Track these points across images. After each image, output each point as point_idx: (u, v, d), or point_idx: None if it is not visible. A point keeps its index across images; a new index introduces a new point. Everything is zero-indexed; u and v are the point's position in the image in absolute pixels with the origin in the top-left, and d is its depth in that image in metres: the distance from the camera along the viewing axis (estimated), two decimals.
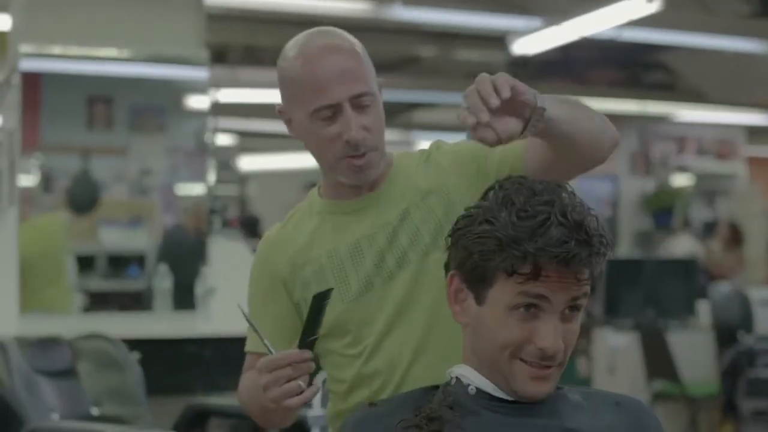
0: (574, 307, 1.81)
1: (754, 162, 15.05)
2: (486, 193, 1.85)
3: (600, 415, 1.88)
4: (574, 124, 2.00)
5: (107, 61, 6.01)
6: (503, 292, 1.78)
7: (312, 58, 2.15)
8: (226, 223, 6.55)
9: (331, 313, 2.05)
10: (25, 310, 5.49)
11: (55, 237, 6.15)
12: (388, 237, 2.16)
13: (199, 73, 6.09)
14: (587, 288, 1.81)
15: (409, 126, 15.68)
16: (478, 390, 1.84)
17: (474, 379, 1.85)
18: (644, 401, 1.98)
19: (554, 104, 1.94)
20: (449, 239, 1.88)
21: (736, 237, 10.92)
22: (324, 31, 2.25)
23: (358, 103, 2.13)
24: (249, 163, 15.74)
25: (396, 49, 11.65)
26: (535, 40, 8.76)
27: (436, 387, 1.89)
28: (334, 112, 2.13)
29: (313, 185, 8.09)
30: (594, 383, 8.11)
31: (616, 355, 7.87)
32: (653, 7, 7.54)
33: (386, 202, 2.19)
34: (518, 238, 1.74)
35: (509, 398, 1.83)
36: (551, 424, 1.83)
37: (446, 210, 2.14)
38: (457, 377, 1.88)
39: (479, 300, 1.82)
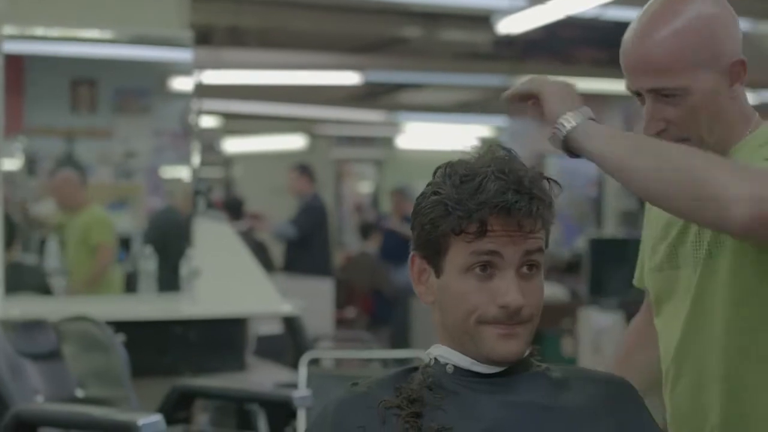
0: (530, 264, 1.83)
1: None
2: (435, 171, 1.89)
3: (581, 393, 1.88)
4: (622, 171, 1.99)
5: (91, 43, 6.00)
6: (456, 256, 1.82)
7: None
8: (210, 205, 6.54)
9: None
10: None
11: None
12: None
13: (184, 55, 6.07)
14: (539, 242, 1.83)
15: (395, 107, 15.67)
16: (456, 368, 1.86)
17: (450, 357, 1.87)
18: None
19: (587, 138, 2.01)
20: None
21: None
22: None
23: None
24: (234, 144, 15.72)
25: (381, 30, 11.62)
26: (520, 20, 8.74)
27: (416, 368, 1.91)
28: None
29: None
30: (579, 362, 8.13)
31: (601, 335, 7.88)
32: None
33: None
34: (461, 199, 1.79)
35: (487, 371, 1.85)
36: (532, 401, 1.83)
37: None
38: (435, 357, 1.89)
39: (438, 272, 1.85)
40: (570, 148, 2.03)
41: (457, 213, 1.79)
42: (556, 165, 14.31)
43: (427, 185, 1.88)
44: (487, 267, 1.81)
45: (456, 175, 1.82)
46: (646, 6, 2.16)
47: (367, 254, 11.26)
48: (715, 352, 2.09)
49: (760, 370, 2.06)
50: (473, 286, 1.81)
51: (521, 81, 2.12)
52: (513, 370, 1.86)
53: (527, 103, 2.13)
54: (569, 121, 2.02)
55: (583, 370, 1.99)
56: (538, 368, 1.90)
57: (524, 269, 1.82)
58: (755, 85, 11.98)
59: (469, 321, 1.82)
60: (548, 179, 1.85)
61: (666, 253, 2.22)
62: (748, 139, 2.12)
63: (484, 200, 1.78)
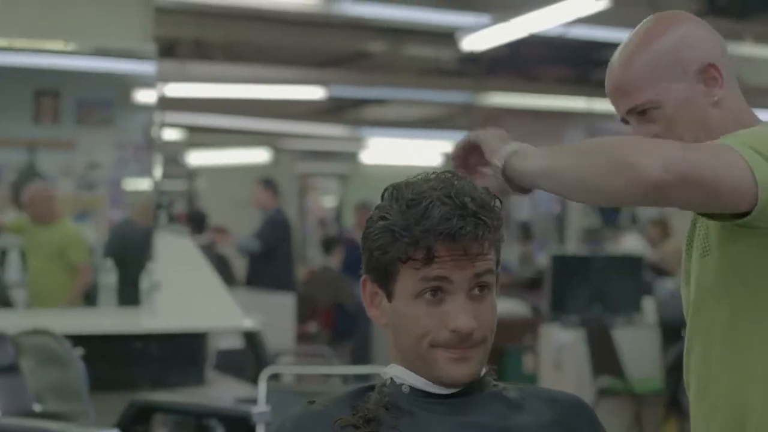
0: (481, 286, 1.83)
1: None
2: (383, 193, 1.89)
3: (536, 414, 1.89)
4: (552, 178, 2.01)
5: (54, 55, 5.98)
6: (406, 282, 1.82)
7: None
8: (172, 219, 6.53)
9: None
10: None
11: None
12: None
13: (147, 67, 6.05)
14: (488, 263, 1.83)
15: (359, 122, 15.69)
16: (412, 388, 1.86)
17: (406, 377, 1.87)
18: (586, 397, 1.99)
19: (522, 159, 2.02)
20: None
21: (663, 232, 11.03)
22: None
23: None
24: (198, 158, 15.70)
25: (346, 45, 11.64)
26: (484, 37, 8.78)
27: (373, 386, 1.91)
28: None
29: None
30: (540, 379, 8.15)
31: (562, 351, 7.90)
32: (601, 5, 7.58)
33: None
34: (407, 225, 1.79)
35: (442, 392, 1.85)
36: (486, 423, 1.83)
37: None
38: (391, 377, 1.89)
39: (390, 297, 1.85)
40: (512, 177, 2.03)
41: (404, 240, 1.79)
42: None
43: (375, 208, 1.88)
44: (437, 292, 1.81)
45: (402, 199, 1.82)
46: None
47: (330, 269, 11.24)
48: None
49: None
50: (424, 311, 1.81)
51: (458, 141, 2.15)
52: (469, 391, 1.86)
53: (469, 158, 2.12)
54: (506, 150, 2.03)
55: (539, 390, 1.99)
56: (494, 388, 1.90)
57: (475, 291, 1.82)
58: None
59: (422, 345, 1.82)
60: (495, 197, 1.86)
61: (683, 269, 2.28)
62: None
63: (429, 227, 1.78)
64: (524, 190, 2.05)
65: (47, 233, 6.04)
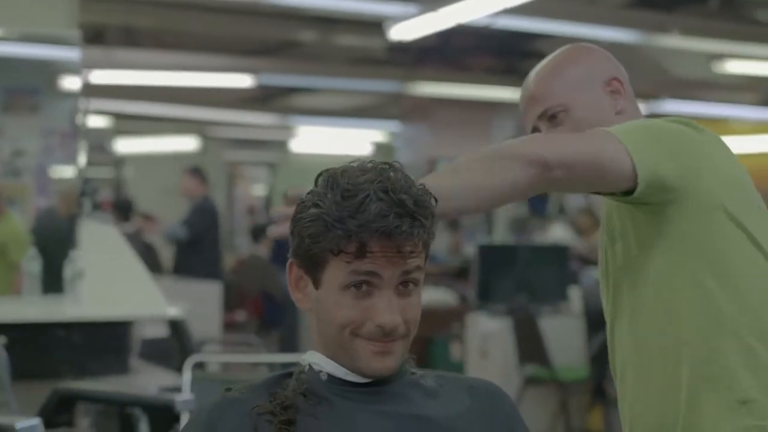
0: (409, 282, 1.83)
1: None
2: (317, 178, 1.87)
3: (453, 401, 1.90)
4: (456, 198, 2.04)
5: None
6: (335, 273, 1.81)
7: None
8: (97, 206, 6.48)
9: None
10: None
11: None
12: None
13: (72, 54, 5.99)
14: (418, 261, 1.84)
15: (288, 110, 15.65)
16: (330, 376, 1.87)
17: (325, 365, 1.88)
18: (512, 385, 2.01)
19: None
20: None
21: (593, 222, 11.12)
22: None
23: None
24: (125, 145, 15.58)
25: (275, 33, 11.61)
26: (412, 27, 8.79)
27: (291, 374, 1.91)
28: None
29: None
30: (467, 367, 8.19)
31: (488, 340, 7.94)
32: None
33: None
34: (341, 217, 1.78)
35: (361, 381, 1.86)
36: (403, 411, 1.85)
37: None
38: (309, 364, 1.89)
39: (316, 284, 1.85)
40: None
41: (337, 232, 1.78)
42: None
43: (308, 193, 1.86)
44: (365, 285, 1.81)
45: (338, 188, 1.80)
46: None
47: (259, 257, 11.23)
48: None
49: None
50: (350, 303, 1.82)
51: None
52: (387, 380, 1.87)
53: None
54: None
55: (456, 378, 2.00)
56: (412, 376, 1.91)
57: (403, 287, 1.83)
58: (646, 96, 12.20)
59: (344, 334, 1.83)
60: (430, 194, 1.84)
61: (599, 261, 2.54)
62: None
63: (364, 222, 1.77)
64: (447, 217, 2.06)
65: None
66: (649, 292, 2.28)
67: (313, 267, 1.84)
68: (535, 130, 2.43)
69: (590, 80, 2.45)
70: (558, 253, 8.72)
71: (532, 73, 2.49)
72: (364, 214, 1.77)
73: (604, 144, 2.15)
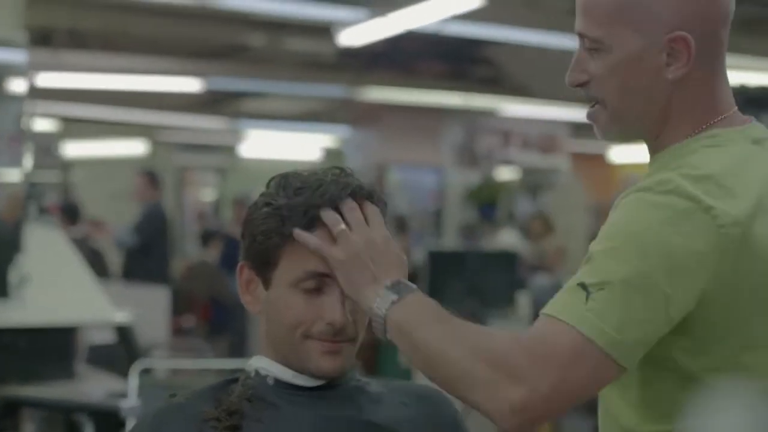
0: None
1: (576, 157, 15.37)
2: (269, 182, 1.88)
3: (399, 407, 1.90)
4: (412, 355, 1.79)
5: None
6: (286, 271, 1.82)
7: None
8: (43, 210, 6.41)
9: None
10: None
11: None
12: None
13: (18, 56, 5.94)
14: None
15: (237, 114, 15.62)
16: (277, 380, 1.86)
17: (272, 369, 1.87)
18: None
19: (391, 335, 1.77)
20: None
21: (546, 227, 11.19)
22: None
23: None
24: (73, 149, 15.47)
25: (224, 37, 11.58)
26: (361, 32, 8.80)
27: (236, 379, 1.90)
28: None
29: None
30: (415, 373, 8.18)
31: None
32: (477, 2, 7.63)
33: None
34: (294, 207, 1.80)
35: (308, 385, 1.85)
36: (350, 416, 1.84)
37: None
38: (256, 369, 1.89)
39: (267, 284, 1.85)
40: (378, 329, 1.81)
41: (291, 221, 1.80)
42: (397, 177, 14.43)
43: (260, 195, 1.87)
44: (316, 283, 1.81)
45: (290, 187, 1.82)
46: None
47: (207, 262, 11.17)
48: None
49: None
50: (301, 301, 1.82)
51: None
52: (333, 384, 1.87)
53: None
54: (387, 298, 1.79)
55: (403, 385, 2.00)
56: (358, 382, 1.91)
57: None
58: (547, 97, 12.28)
59: (295, 334, 1.82)
60: (382, 197, 1.87)
61: None
62: (668, 151, 1.86)
63: (318, 201, 1.80)
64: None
65: None
66: None
67: (264, 266, 1.84)
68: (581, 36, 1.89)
69: (649, 23, 1.81)
70: (507, 258, 8.76)
71: None
72: (317, 198, 1.79)
73: (574, 368, 1.67)
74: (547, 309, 1.72)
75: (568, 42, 9.48)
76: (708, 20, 1.82)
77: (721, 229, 1.69)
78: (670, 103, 1.84)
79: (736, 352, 1.75)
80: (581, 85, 1.89)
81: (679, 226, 1.69)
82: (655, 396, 1.79)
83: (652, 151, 1.90)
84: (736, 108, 1.89)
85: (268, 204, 1.83)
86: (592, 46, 1.85)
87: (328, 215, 1.80)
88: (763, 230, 1.73)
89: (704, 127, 1.84)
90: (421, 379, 1.91)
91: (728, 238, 1.69)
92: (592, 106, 1.91)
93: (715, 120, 1.85)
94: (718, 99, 1.86)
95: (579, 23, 1.88)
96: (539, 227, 11.36)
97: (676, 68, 1.81)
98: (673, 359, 1.75)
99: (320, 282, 1.81)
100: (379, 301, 1.77)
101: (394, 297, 1.78)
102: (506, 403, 1.65)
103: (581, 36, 1.88)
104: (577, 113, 13.73)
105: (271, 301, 1.85)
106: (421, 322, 1.77)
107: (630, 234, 1.70)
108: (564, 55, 2.28)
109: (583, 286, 1.68)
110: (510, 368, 1.66)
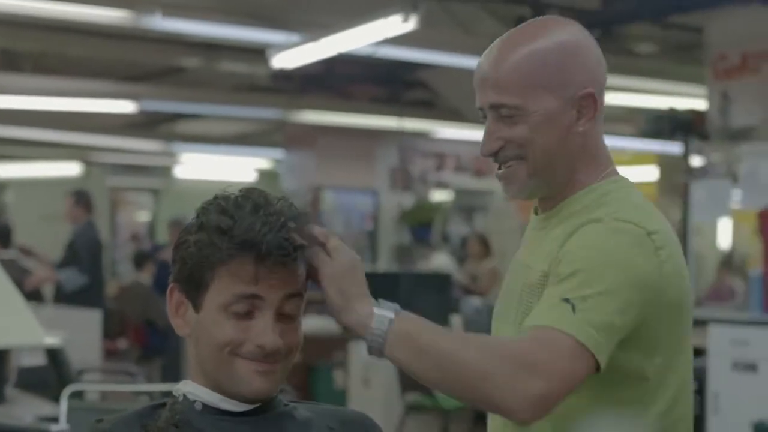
0: (291, 306, 1.85)
1: None
2: (201, 205, 1.89)
3: None
4: (415, 374, 1.97)
5: None
6: (217, 293, 1.82)
7: None
8: None
9: None
10: None
11: None
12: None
13: None
14: (301, 285, 1.86)
15: (172, 137, 15.56)
16: (204, 405, 1.86)
17: (200, 394, 1.87)
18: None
19: (393, 345, 1.94)
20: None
21: (484, 249, 11.25)
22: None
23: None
24: (5, 170, 15.36)
25: (158, 59, 11.55)
26: (294, 55, 8.83)
27: (164, 404, 1.89)
28: None
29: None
30: (349, 395, 8.20)
31: (371, 368, 7.96)
32: (410, 26, 7.68)
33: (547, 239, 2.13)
34: (225, 231, 1.81)
35: (236, 410, 1.85)
36: None
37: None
38: (184, 394, 1.88)
39: (197, 308, 1.85)
40: (374, 346, 1.98)
41: (223, 250, 1.80)
42: (332, 199, 14.44)
43: (195, 217, 1.88)
44: (246, 306, 1.82)
45: (224, 213, 1.83)
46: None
47: (141, 284, 11.12)
48: None
49: None
50: (231, 324, 1.82)
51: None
52: (260, 410, 1.87)
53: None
54: (382, 315, 1.95)
55: (330, 409, 2.01)
56: (285, 408, 1.92)
57: (284, 310, 1.84)
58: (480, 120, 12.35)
59: (223, 353, 1.82)
60: (312, 222, 1.88)
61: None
62: (584, 193, 2.11)
63: (248, 240, 1.80)
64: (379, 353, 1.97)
65: None
66: None
67: (195, 289, 1.84)
68: (482, 110, 2.10)
69: (563, 85, 2.05)
70: (440, 280, 8.79)
71: (500, 44, 2.11)
72: (248, 233, 1.79)
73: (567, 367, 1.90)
74: (539, 321, 1.94)
75: None
76: (601, 78, 2.11)
77: (657, 251, 2.00)
78: (578, 154, 2.11)
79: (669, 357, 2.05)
80: (496, 153, 2.11)
81: (637, 248, 1.98)
82: (567, 410, 1.99)
83: (555, 201, 2.15)
84: None
85: (200, 227, 1.84)
86: (510, 113, 2.06)
87: (317, 229, 1.88)
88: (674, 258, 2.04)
89: (605, 174, 2.13)
90: (356, 400, 1.95)
91: (660, 258, 1.99)
92: (504, 168, 2.13)
93: (610, 168, 2.15)
94: (602, 151, 2.15)
95: (491, 96, 2.08)
96: (477, 248, 11.41)
97: (585, 121, 2.08)
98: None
99: (251, 305, 1.81)
100: (378, 311, 1.93)
101: (396, 307, 1.94)
102: (528, 396, 1.87)
103: (494, 107, 2.07)
104: None
105: (200, 324, 1.85)
106: (427, 329, 1.94)
107: (600, 255, 1.97)
108: None
109: (567, 300, 1.92)
110: (529, 364, 1.88)
